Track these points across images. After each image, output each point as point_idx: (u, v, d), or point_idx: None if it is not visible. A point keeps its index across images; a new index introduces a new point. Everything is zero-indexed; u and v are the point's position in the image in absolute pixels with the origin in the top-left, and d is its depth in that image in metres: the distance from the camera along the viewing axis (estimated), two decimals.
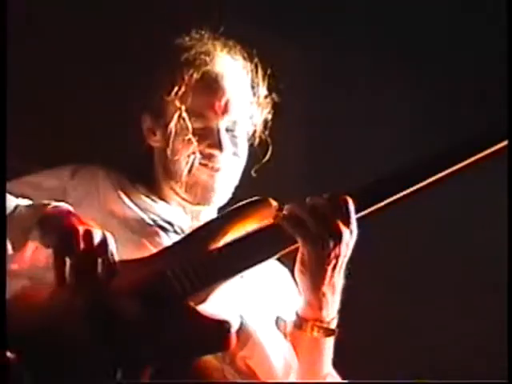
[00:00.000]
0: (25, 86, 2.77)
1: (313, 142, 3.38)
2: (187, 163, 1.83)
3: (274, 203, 1.67)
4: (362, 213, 1.65)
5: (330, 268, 1.63)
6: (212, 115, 1.82)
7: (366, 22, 3.35)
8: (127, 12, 2.88)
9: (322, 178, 2.97)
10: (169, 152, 1.85)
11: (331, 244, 1.60)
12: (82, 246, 1.53)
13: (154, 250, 1.73)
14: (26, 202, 1.74)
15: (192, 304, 1.61)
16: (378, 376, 2.61)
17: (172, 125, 1.81)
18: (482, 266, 3.35)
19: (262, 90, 1.92)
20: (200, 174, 1.84)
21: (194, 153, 1.82)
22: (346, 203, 1.61)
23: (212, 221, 1.76)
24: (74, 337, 1.56)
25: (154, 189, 1.93)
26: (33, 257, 1.68)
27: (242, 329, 1.66)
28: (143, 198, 1.89)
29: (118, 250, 1.61)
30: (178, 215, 1.90)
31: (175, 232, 1.84)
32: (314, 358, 1.73)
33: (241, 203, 1.71)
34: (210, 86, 1.83)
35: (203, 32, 1.92)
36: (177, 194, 1.89)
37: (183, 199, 1.89)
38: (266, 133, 1.95)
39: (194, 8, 2.36)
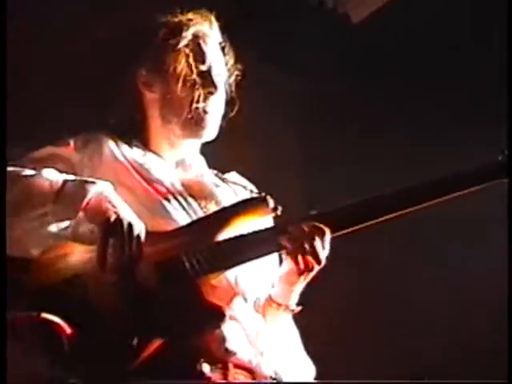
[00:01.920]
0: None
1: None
2: (190, 103, 2.14)
3: (271, 202, 2.00)
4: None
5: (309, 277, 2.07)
6: (207, 64, 2.18)
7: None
8: None
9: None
10: (175, 93, 2.15)
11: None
12: (123, 234, 1.85)
13: (159, 219, 2.04)
14: (68, 176, 1.99)
15: (200, 284, 1.94)
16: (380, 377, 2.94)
17: (179, 68, 2.14)
18: (481, 266, 3.49)
19: (231, 58, 2.28)
20: (197, 114, 2.16)
21: (194, 92, 2.15)
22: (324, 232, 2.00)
23: (218, 211, 2.07)
24: (102, 301, 1.87)
25: (148, 143, 2.23)
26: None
27: None
28: (144, 165, 2.16)
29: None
30: (170, 170, 2.21)
31: (172, 193, 2.13)
32: (278, 322, 2.17)
33: (243, 198, 2.08)
34: (207, 45, 2.20)
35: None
36: (174, 134, 2.19)
37: (178, 136, 2.20)
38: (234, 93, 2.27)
39: None
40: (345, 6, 3.82)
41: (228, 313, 1.92)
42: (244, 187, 2.25)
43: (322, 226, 1.98)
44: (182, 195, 2.12)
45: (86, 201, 1.91)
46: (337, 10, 3.80)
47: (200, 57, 2.16)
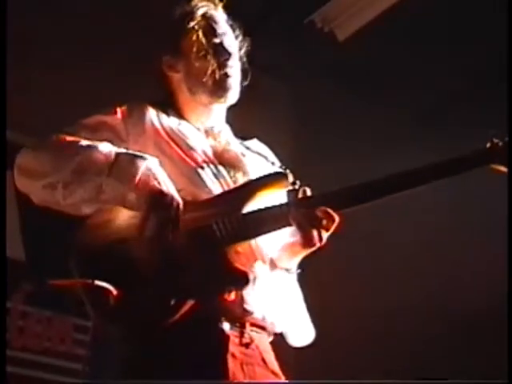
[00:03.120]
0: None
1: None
2: (211, 71, 2.37)
3: (291, 177, 2.25)
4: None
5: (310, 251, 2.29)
6: (219, 37, 2.43)
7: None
8: None
9: None
10: (197, 67, 2.38)
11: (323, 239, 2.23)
12: (165, 207, 2.10)
13: (194, 188, 2.24)
14: (120, 150, 2.19)
15: (227, 251, 2.16)
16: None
17: (196, 44, 2.38)
18: (481, 267, 3.69)
19: (240, 34, 2.52)
20: (219, 79, 2.38)
21: (214, 62, 2.38)
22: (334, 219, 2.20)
23: (245, 184, 2.29)
24: (144, 265, 2.10)
25: (181, 114, 2.44)
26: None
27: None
28: (180, 134, 2.36)
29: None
30: (203, 139, 2.41)
31: (205, 162, 2.32)
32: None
33: (267, 173, 2.29)
34: (216, 22, 2.45)
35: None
36: (202, 103, 2.42)
37: (206, 105, 2.42)
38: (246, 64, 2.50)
39: None
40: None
41: (250, 276, 2.14)
42: (265, 158, 2.45)
43: (333, 213, 2.17)
44: (213, 164, 2.33)
45: (137, 178, 2.12)
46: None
47: (211, 32, 2.41)
